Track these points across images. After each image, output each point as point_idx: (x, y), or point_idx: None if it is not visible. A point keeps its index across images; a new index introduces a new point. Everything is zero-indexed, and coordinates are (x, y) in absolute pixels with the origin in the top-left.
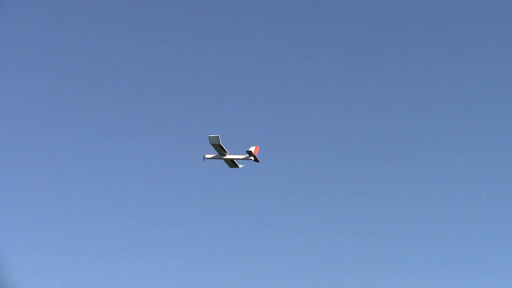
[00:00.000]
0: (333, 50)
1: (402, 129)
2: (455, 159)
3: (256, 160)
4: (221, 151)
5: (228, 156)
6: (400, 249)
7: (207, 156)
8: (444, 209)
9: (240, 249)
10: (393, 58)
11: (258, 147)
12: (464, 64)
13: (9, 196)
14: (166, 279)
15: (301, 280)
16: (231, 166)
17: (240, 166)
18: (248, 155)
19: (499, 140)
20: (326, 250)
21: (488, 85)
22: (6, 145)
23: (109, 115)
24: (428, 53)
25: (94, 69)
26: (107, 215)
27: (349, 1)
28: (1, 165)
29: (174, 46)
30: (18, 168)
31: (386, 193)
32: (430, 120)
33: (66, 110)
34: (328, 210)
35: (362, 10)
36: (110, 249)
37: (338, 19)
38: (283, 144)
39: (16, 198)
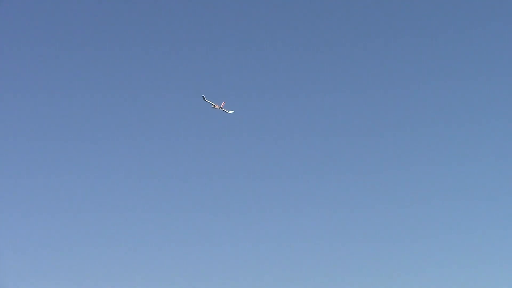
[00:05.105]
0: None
1: (401, 133)
2: (454, 165)
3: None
4: (212, 104)
5: (216, 107)
6: (399, 251)
7: (207, 100)
8: (441, 212)
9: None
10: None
11: (224, 102)
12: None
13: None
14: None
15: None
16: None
17: (229, 112)
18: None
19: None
20: (325, 253)
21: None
22: None
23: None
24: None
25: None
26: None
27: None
28: None
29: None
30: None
31: (385, 198)
32: (429, 123)
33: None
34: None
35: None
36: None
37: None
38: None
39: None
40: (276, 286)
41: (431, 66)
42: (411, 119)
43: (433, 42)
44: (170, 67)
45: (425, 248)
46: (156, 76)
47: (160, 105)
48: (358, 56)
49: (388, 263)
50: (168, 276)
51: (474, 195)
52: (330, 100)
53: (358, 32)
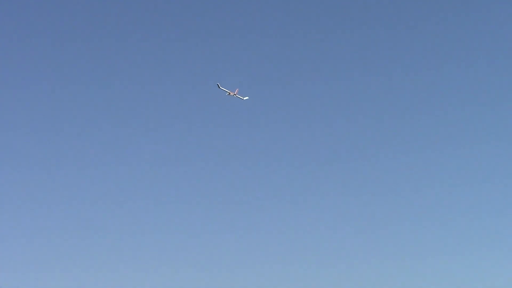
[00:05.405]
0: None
1: (398, 127)
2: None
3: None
4: (226, 91)
5: (230, 94)
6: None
7: (221, 88)
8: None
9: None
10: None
11: (238, 89)
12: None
13: None
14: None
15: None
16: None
17: (244, 98)
18: (235, 92)
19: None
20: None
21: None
22: None
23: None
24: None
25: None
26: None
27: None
28: None
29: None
30: None
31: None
32: (422, 119)
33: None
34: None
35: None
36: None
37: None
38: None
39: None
40: (276, 280)
41: (432, 62)
42: (410, 112)
43: (432, 38)
44: (184, 57)
45: (426, 239)
46: (169, 65)
47: (174, 94)
48: (366, 46)
49: (388, 257)
50: (168, 271)
51: (473, 184)
52: (334, 92)
53: (364, 24)
